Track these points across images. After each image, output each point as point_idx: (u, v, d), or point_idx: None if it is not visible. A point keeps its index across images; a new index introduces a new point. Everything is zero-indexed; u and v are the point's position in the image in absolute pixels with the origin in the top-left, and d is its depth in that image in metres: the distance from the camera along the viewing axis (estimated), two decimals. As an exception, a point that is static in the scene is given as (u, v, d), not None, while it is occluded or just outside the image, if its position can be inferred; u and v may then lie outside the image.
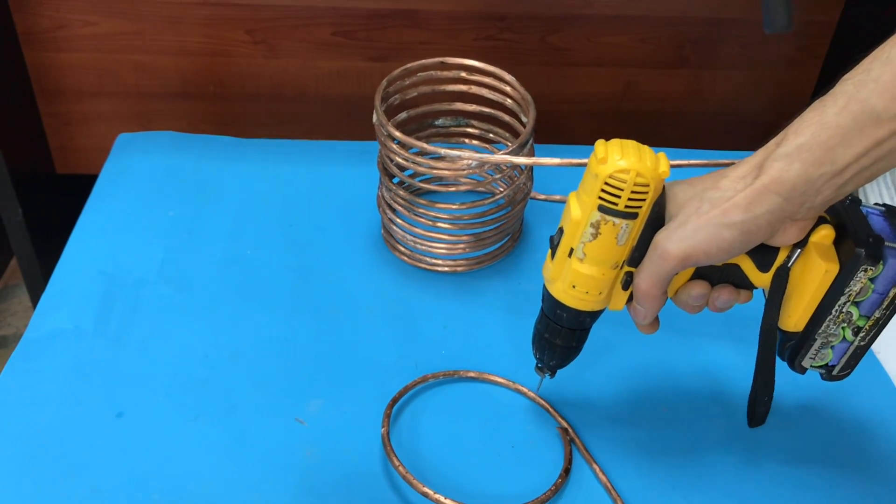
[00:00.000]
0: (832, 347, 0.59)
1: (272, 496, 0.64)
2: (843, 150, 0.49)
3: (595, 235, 0.56)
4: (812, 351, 0.59)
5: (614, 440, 0.69)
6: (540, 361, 0.66)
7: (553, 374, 0.67)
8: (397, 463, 0.64)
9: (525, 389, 0.73)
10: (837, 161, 0.49)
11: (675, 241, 0.54)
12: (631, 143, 0.55)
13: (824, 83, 1.25)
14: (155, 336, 0.76)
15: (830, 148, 0.49)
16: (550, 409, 0.71)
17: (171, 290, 0.81)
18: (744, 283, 0.59)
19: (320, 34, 1.19)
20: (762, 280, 0.58)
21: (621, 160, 0.53)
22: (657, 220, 0.55)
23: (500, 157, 0.77)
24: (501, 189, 0.88)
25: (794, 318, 0.58)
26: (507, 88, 0.85)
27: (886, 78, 0.48)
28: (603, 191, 0.54)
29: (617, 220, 0.55)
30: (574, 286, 0.58)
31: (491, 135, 0.91)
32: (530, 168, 0.84)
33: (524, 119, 0.83)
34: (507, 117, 0.88)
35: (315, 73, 1.23)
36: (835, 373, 0.61)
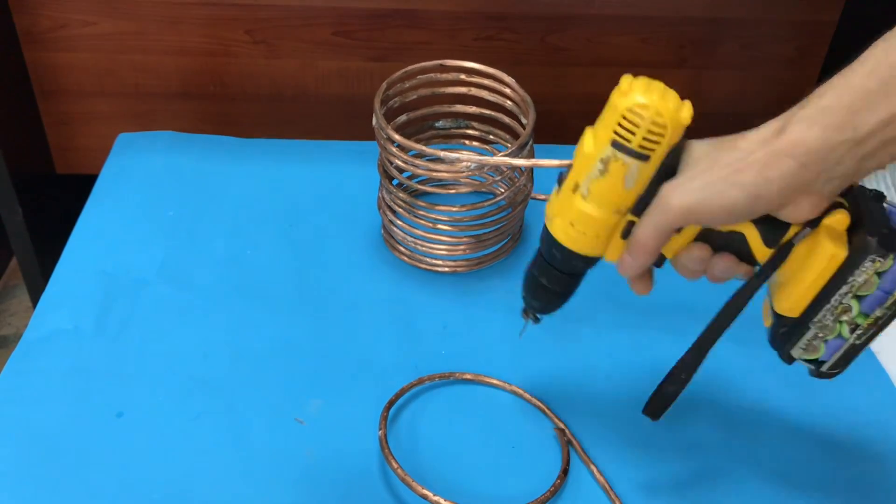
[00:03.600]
0: (826, 342, 0.56)
1: (272, 496, 0.64)
2: (867, 115, 0.46)
3: (603, 172, 0.53)
4: (804, 341, 0.56)
5: (611, 440, 0.70)
6: (525, 303, 0.64)
7: (537, 319, 0.65)
8: (396, 465, 0.64)
9: (521, 391, 0.73)
10: (860, 127, 0.46)
11: (679, 194, 0.51)
12: (658, 84, 0.52)
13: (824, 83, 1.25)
14: (155, 336, 0.76)
15: (854, 111, 0.46)
16: (547, 410, 0.71)
17: (170, 289, 0.81)
18: (746, 256, 0.55)
19: (320, 34, 1.19)
20: (765, 255, 0.55)
21: (642, 96, 0.51)
22: (669, 170, 0.53)
23: (499, 159, 0.77)
24: (502, 190, 0.88)
25: (791, 300, 0.55)
26: (507, 90, 0.85)
27: None
28: (619, 125, 0.51)
29: (628, 159, 0.52)
30: (573, 224, 0.56)
31: (491, 136, 0.91)
32: (531, 169, 0.84)
33: (524, 120, 0.83)
34: (506, 119, 0.88)
35: (315, 73, 1.23)
36: (824, 369, 0.58)
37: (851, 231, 0.53)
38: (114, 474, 0.65)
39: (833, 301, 0.54)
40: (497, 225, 0.83)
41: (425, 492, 0.62)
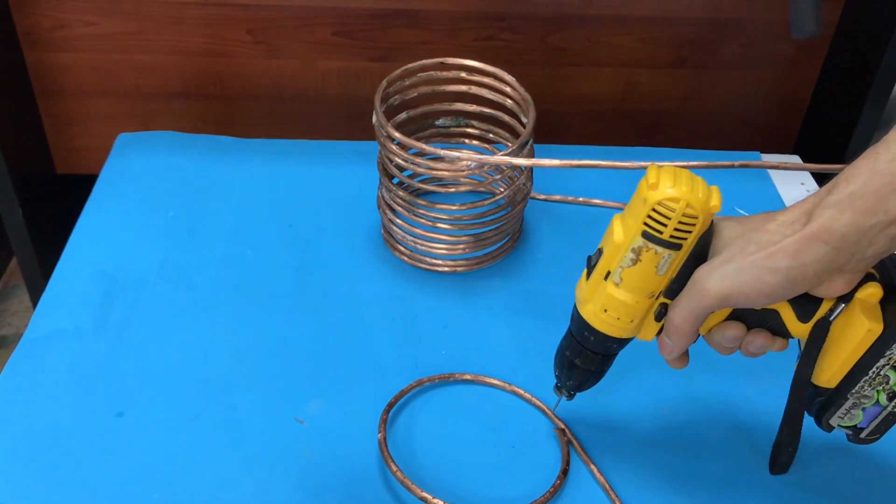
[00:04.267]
0: (863, 409, 0.57)
1: (272, 496, 0.64)
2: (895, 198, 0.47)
3: (635, 262, 0.54)
4: (842, 410, 0.57)
5: (611, 441, 0.69)
6: (559, 381, 0.65)
7: (571, 396, 0.65)
8: (395, 468, 0.64)
9: (521, 391, 0.73)
10: (890, 210, 0.48)
11: (716, 279, 0.52)
12: (684, 173, 0.53)
13: (824, 83, 1.25)
14: (155, 336, 0.76)
15: (883, 196, 0.47)
16: (547, 410, 0.71)
17: (171, 289, 0.81)
18: (780, 331, 0.57)
19: (320, 34, 1.19)
20: (800, 330, 0.56)
21: (672, 188, 0.52)
22: (701, 254, 0.54)
23: (499, 158, 0.77)
24: (501, 189, 0.88)
25: (829, 373, 0.56)
26: (507, 89, 0.85)
27: None
28: (649, 217, 0.52)
29: (660, 249, 0.53)
30: (606, 310, 0.57)
31: (491, 135, 0.91)
32: (530, 169, 0.84)
33: (524, 120, 0.83)
34: (507, 118, 0.88)
35: (315, 73, 1.22)
36: (863, 436, 0.59)
37: (885, 302, 0.54)
38: (114, 474, 0.65)
39: (871, 373, 0.55)
40: (496, 224, 0.83)
41: (425, 494, 0.62)
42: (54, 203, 1.27)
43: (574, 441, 0.69)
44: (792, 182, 1.02)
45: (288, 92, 1.24)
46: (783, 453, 0.62)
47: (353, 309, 0.80)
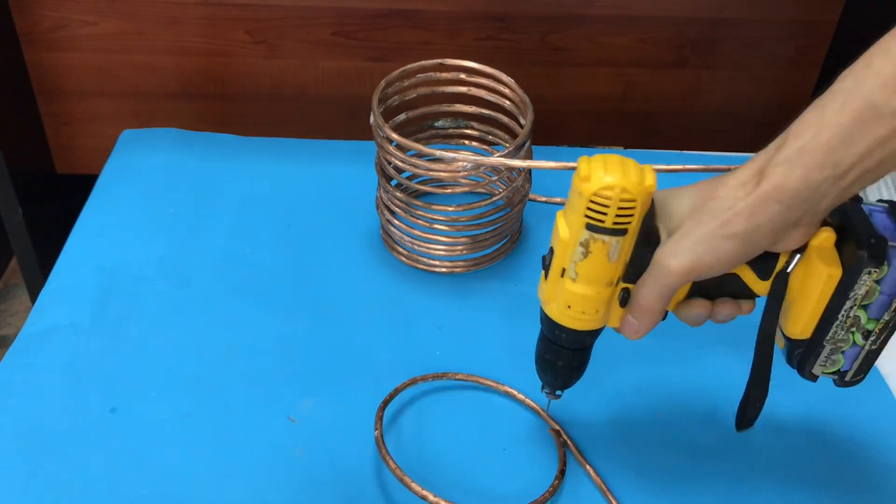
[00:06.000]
0: (843, 353, 0.57)
1: (262, 493, 0.64)
2: (844, 151, 0.47)
3: (585, 254, 0.54)
4: (822, 358, 0.58)
5: (606, 441, 0.70)
6: (544, 383, 0.65)
7: (558, 396, 0.65)
8: (394, 466, 0.64)
9: (514, 392, 0.73)
10: (840, 164, 0.47)
11: (676, 257, 0.52)
12: (614, 158, 0.53)
13: (824, 83, 1.24)
14: (150, 332, 0.77)
15: (832, 149, 0.47)
16: (541, 411, 0.71)
17: (168, 286, 0.81)
18: (744, 293, 0.57)
19: (320, 34, 1.19)
20: (763, 288, 0.56)
21: (606, 177, 0.51)
22: (648, 233, 0.54)
23: (496, 159, 0.77)
24: (500, 191, 0.88)
25: (800, 324, 0.57)
26: (506, 90, 0.85)
27: (888, 71, 0.45)
28: (589, 209, 0.52)
29: (606, 238, 0.53)
30: (569, 306, 0.57)
31: (490, 136, 0.91)
32: (528, 170, 0.84)
33: (523, 121, 0.83)
34: (505, 119, 0.88)
35: (315, 73, 1.23)
36: (847, 378, 0.59)
37: (840, 244, 0.54)
38: (105, 469, 0.65)
39: (840, 317, 0.55)
40: (495, 225, 0.83)
41: (427, 493, 0.62)
42: (54, 203, 1.27)
43: (569, 442, 0.69)
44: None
45: (288, 92, 1.24)
46: (751, 409, 0.62)
47: (350, 308, 0.81)
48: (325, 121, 1.27)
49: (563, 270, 0.56)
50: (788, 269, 0.55)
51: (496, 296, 0.83)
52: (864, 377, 0.59)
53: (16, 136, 1.19)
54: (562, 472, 0.66)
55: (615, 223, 0.53)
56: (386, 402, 0.70)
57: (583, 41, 1.22)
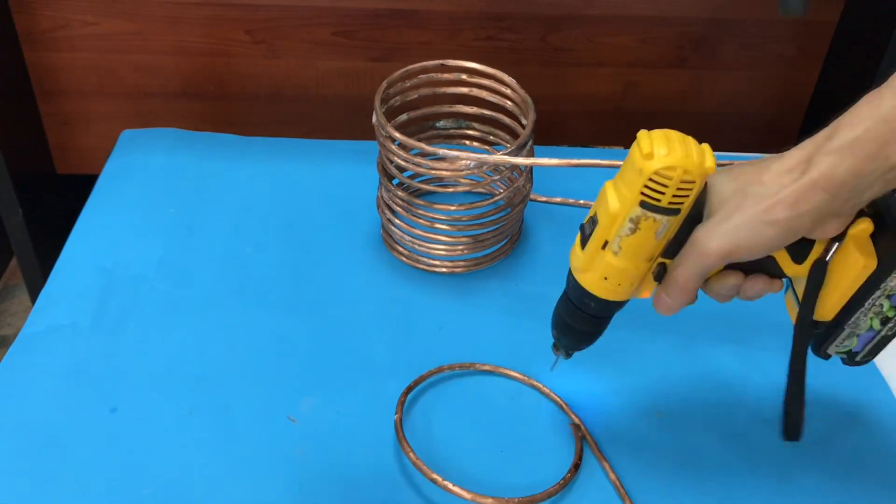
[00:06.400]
0: (858, 336, 0.58)
1: (262, 493, 0.64)
2: None
3: (634, 230, 0.54)
4: (839, 340, 0.58)
5: (628, 440, 0.69)
6: (558, 342, 0.65)
7: (569, 355, 0.65)
8: (408, 449, 0.64)
9: (541, 385, 0.73)
10: (891, 157, 0.47)
11: (716, 238, 0.52)
12: (676, 136, 0.52)
13: (824, 83, 1.25)
14: (151, 332, 0.76)
15: (886, 142, 0.47)
16: (564, 405, 0.71)
17: (168, 286, 0.81)
18: (775, 273, 0.57)
19: (320, 34, 1.19)
20: (795, 270, 0.56)
21: (668, 156, 0.51)
22: (697, 214, 0.54)
23: (498, 157, 0.77)
24: (501, 190, 0.88)
25: (826, 308, 0.57)
26: (507, 91, 0.85)
27: None
28: (647, 186, 0.52)
29: (659, 217, 0.53)
30: (606, 278, 0.57)
31: (491, 137, 0.91)
32: (529, 170, 0.84)
33: (524, 121, 0.83)
34: (507, 119, 0.88)
35: (315, 73, 1.23)
36: (857, 359, 0.59)
37: (876, 235, 0.54)
38: (106, 469, 0.65)
39: (867, 304, 0.55)
40: (495, 225, 0.83)
41: (446, 482, 0.62)
42: (54, 203, 1.27)
43: (588, 437, 0.69)
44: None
45: (288, 92, 1.24)
46: (793, 410, 0.61)
47: (350, 308, 0.81)
48: (326, 121, 1.27)
49: (606, 243, 0.55)
50: (828, 258, 0.54)
51: (497, 295, 0.83)
52: (871, 359, 0.59)
53: (16, 136, 1.19)
54: (575, 466, 0.66)
55: (671, 203, 0.52)
56: (410, 389, 0.70)
57: (583, 41, 1.22)
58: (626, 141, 1.35)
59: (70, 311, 0.78)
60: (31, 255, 1.24)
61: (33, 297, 1.32)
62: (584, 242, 0.57)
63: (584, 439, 0.69)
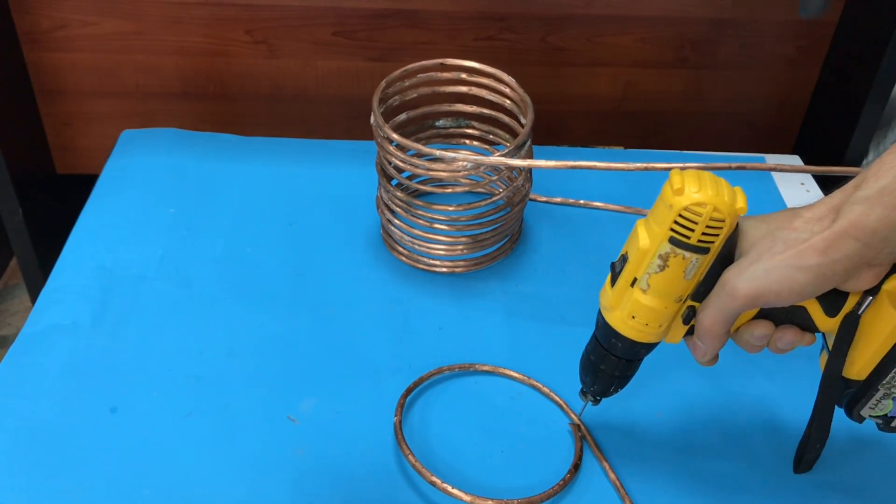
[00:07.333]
0: (893, 398, 0.56)
1: (262, 493, 0.64)
2: None
3: (663, 267, 0.54)
4: (873, 401, 0.57)
5: (628, 441, 0.69)
6: (585, 387, 0.64)
7: (597, 401, 0.65)
8: (407, 451, 0.64)
9: (541, 385, 0.73)
10: None
11: (745, 280, 0.52)
12: (708, 175, 0.53)
13: (824, 83, 1.25)
14: (151, 332, 0.76)
15: None
16: (564, 405, 0.71)
17: (169, 286, 0.81)
18: (808, 326, 0.56)
19: (320, 34, 1.19)
20: (827, 325, 0.55)
21: (698, 193, 0.51)
22: (727, 255, 0.54)
23: (496, 159, 0.77)
24: (500, 190, 0.88)
25: (858, 366, 0.56)
26: (506, 90, 0.85)
27: None
28: (676, 223, 0.52)
29: (688, 254, 0.53)
30: (634, 317, 0.56)
31: (491, 136, 0.91)
32: (529, 170, 0.84)
33: (523, 120, 0.83)
34: (506, 118, 0.88)
35: (315, 73, 1.22)
36: (894, 424, 0.58)
37: None
38: (105, 469, 0.65)
39: None
40: (495, 225, 0.83)
41: (446, 485, 0.62)
42: (54, 203, 1.27)
43: (588, 437, 0.69)
44: (793, 182, 1.02)
45: (288, 92, 1.24)
46: (810, 450, 0.62)
47: (350, 308, 0.81)
48: (325, 121, 1.27)
49: (635, 280, 0.55)
50: (860, 312, 0.54)
51: (496, 295, 0.83)
52: None
53: (16, 136, 1.19)
54: (575, 467, 0.66)
55: (700, 241, 0.52)
56: (409, 391, 0.70)
57: (583, 41, 1.22)
58: (626, 141, 1.35)
59: (70, 310, 0.78)
60: (31, 255, 1.24)
61: (33, 297, 1.32)
62: (613, 280, 0.57)
63: (584, 439, 0.69)
